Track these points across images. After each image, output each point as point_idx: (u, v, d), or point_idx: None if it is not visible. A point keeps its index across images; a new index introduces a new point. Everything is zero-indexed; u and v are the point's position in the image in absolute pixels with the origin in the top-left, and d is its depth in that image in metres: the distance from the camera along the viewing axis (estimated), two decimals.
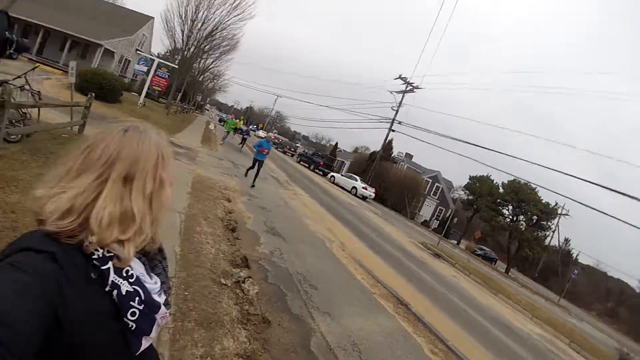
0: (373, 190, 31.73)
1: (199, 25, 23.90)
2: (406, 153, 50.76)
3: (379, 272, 8.39)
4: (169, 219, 5.73)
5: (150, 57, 26.04)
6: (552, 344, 11.04)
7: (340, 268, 7.53)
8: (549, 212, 36.82)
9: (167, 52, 37.82)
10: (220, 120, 56.92)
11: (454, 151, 49.87)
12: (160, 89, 26.36)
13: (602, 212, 19.55)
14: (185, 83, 34.30)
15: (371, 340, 4.84)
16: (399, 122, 36.86)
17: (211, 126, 36.36)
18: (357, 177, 31.95)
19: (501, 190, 39.24)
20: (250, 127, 31.44)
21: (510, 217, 39.11)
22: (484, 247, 43.33)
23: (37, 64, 10.03)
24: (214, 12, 24.01)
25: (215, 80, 54.62)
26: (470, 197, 42.75)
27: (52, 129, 7.48)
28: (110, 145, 0.84)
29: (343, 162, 54.88)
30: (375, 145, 41.74)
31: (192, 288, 4.01)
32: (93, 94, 9.32)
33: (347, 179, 31.89)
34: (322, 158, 38.31)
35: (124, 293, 0.80)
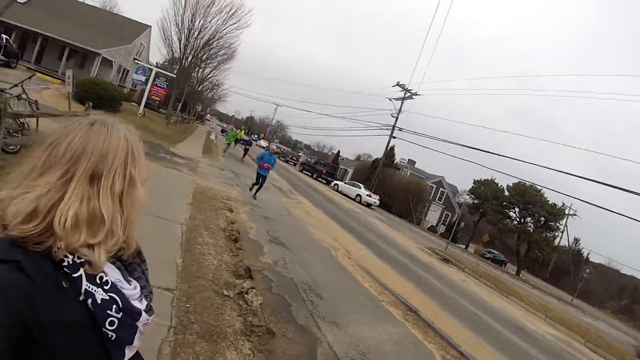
0: (377, 197, 31.68)
1: (196, 34, 23.86)
2: (409, 159, 50.67)
3: (386, 279, 8.25)
4: (170, 230, 5.65)
5: (148, 66, 26.12)
6: (567, 345, 10.83)
7: (347, 276, 7.40)
8: (556, 213, 36.65)
9: (165, 61, 37.97)
10: (222, 131, 57.05)
11: (457, 156, 49.68)
12: (159, 99, 26.38)
13: (608, 210, 19.36)
14: (185, 93, 34.40)
15: (380, 349, 4.70)
16: (400, 129, 37.00)
17: (212, 136, 36.44)
18: (361, 185, 32.02)
19: (506, 193, 38.98)
20: (252, 136, 31.27)
21: (518, 219, 38.86)
22: (493, 250, 43.16)
23: (34, 73, 10.03)
24: (210, 21, 23.98)
25: (214, 90, 54.87)
26: (476, 201, 42.45)
27: None
28: (75, 140, 0.77)
29: (346, 170, 55.00)
30: (378, 152, 41.87)
31: (194, 300, 3.91)
32: (91, 104, 9.29)
33: (351, 186, 32.02)
34: (324, 166, 38.49)
35: (99, 301, 0.74)
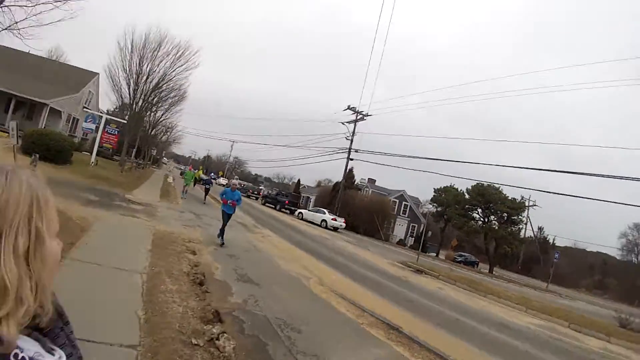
0: (342, 220, 31.99)
1: (145, 78, 23.55)
2: (369, 178, 51.28)
3: (362, 301, 8.08)
4: (130, 281, 5.30)
5: (98, 113, 25.41)
6: (552, 331, 10.93)
7: (322, 304, 7.20)
8: (517, 207, 38.17)
9: (115, 108, 37.06)
10: (181, 174, 56.19)
11: (415, 168, 51.04)
12: (111, 146, 25.65)
13: (562, 194, 20.35)
14: (138, 138, 33.65)
15: None
16: (355, 150, 37.57)
17: (170, 179, 35.66)
18: (325, 210, 32.44)
19: (467, 196, 40.13)
20: (211, 175, 30.68)
21: (482, 219, 40.04)
22: (463, 253, 44.04)
23: None
24: (158, 64, 23.81)
25: (168, 133, 54.17)
26: (439, 209, 43.51)
27: None
28: None
29: (308, 197, 55.39)
30: (338, 176, 42.23)
31: (160, 355, 3.60)
32: (37, 155, 8.84)
33: (315, 213, 32.39)
34: (286, 197, 38.97)
35: None
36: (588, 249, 65.15)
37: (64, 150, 17.17)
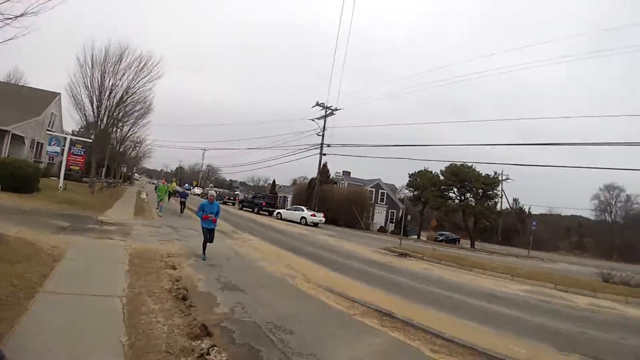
0: (322, 215, 32.19)
1: (108, 93, 22.65)
2: (343, 171, 51.42)
3: (352, 292, 8.03)
4: (109, 307, 5.01)
5: (62, 135, 24.41)
6: (540, 294, 11.23)
7: (311, 301, 7.09)
8: (491, 183, 39.36)
9: (81, 127, 35.73)
10: (155, 188, 54.86)
11: (388, 156, 51.76)
12: (78, 168, 24.78)
13: (533, 165, 20.76)
14: (107, 156, 32.67)
15: None
16: (328, 145, 37.85)
17: (143, 195, 34.73)
18: (303, 207, 32.62)
19: (442, 177, 40.77)
20: (185, 186, 30.01)
21: (458, 197, 40.88)
22: (444, 232, 44.98)
23: None
24: (121, 78, 22.86)
25: (137, 148, 52.84)
26: (416, 193, 44.18)
27: None
28: None
29: (285, 196, 55.32)
30: (313, 173, 42.28)
31: None
32: None
33: (294, 211, 32.65)
34: (263, 199, 39.13)
35: None
36: (563, 214, 68.33)
37: (30, 178, 16.43)
